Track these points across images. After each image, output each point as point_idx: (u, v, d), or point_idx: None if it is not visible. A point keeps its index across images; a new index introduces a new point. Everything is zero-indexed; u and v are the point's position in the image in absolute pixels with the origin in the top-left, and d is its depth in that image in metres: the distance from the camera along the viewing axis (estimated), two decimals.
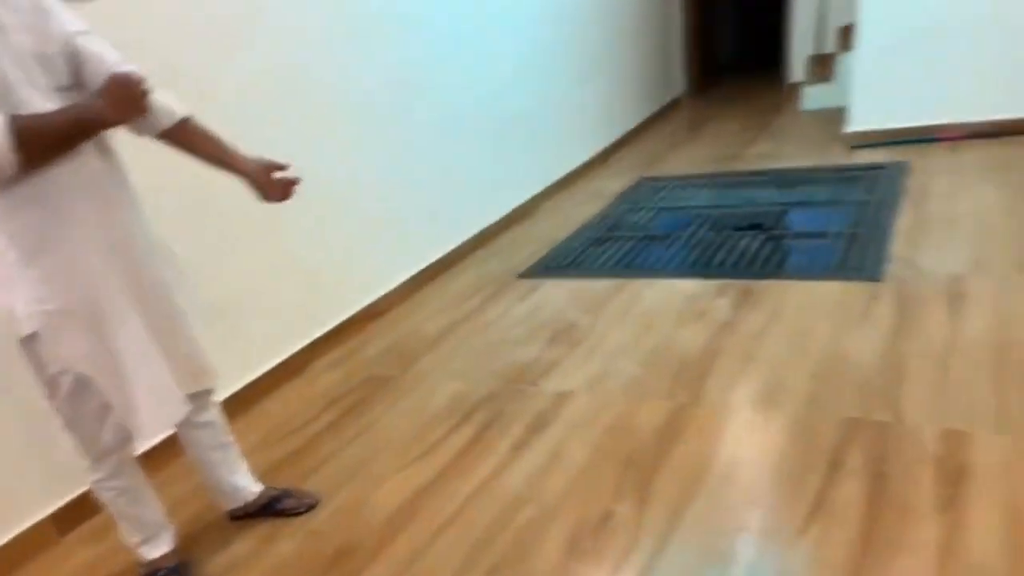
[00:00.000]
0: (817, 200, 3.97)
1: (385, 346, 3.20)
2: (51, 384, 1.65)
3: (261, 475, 2.22)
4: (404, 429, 2.51)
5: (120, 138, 1.70)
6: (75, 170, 1.55)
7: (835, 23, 6.16)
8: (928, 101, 4.45)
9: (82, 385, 1.65)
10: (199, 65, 2.58)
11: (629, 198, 4.62)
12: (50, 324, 1.57)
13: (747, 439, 2.11)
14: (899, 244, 3.17)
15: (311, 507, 2.17)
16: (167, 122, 1.74)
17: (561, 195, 4.93)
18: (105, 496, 1.84)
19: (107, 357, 1.65)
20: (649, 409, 2.33)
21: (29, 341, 1.60)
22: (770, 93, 6.81)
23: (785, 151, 4.97)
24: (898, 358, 2.34)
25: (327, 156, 3.18)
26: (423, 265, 3.79)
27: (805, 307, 2.81)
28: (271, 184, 1.88)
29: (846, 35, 5.54)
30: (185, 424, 1.94)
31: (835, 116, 5.17)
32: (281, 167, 1.89)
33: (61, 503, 2.26)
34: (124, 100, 1.49)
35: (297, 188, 1.93)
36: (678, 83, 7.19)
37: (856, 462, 1.91)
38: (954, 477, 1.79)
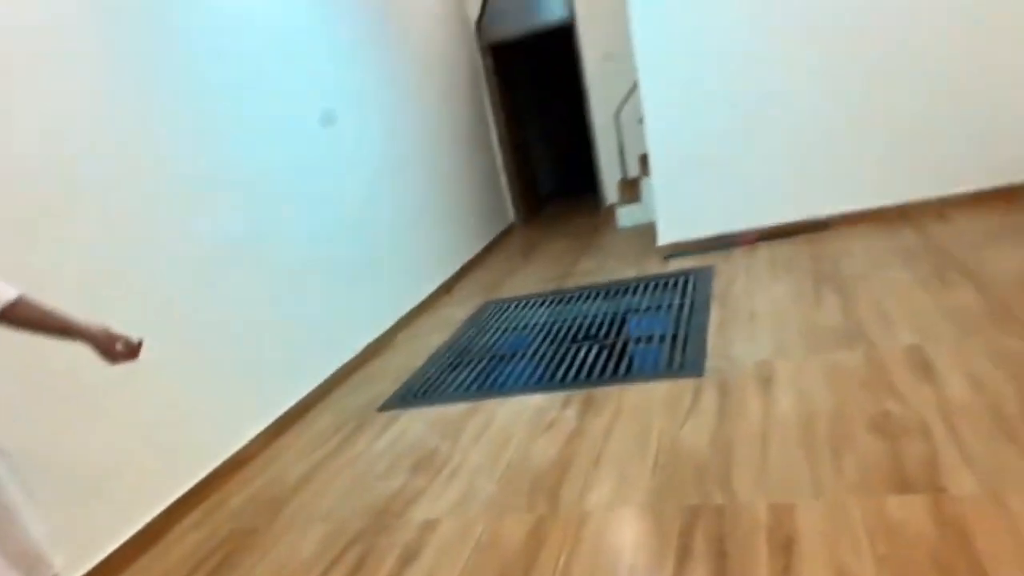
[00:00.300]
0: (641, 307, 4.28)
1: (248, 497, 3.05)
2: None
3: None
4: None
5: None
6: None
7: (634, 151, 6.83)
8: (721, 212, 4.99)
9: None
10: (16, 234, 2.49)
11: (475, 323, 4.76)
12: None
13: (604, 539, 2.18)
14: (714, 339, 3.46)
15: None
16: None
17: (412, 326, 5.00)
18: None
19: None
20: (512, 524, 2.36)
21: None
22: (589, 215, 7.34)
23: (608, 265, 5.34)
24: (726, 442, 2.52)
25: (175, 313, 3.09)
26: (282, 410, 3.68)
27: (642, 407, 2.98)
28: (115, 348, 1.84)
29: (644, 162, 6.15)
30: None
31: (647, 231, 5.65)
32: (126, 340, 1.86)
33: None
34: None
35: (143, 347, 1.89)
36: (508, 214, 7.60)
37: (701, 546, 2.01)
38: (785, 546, 1.93)
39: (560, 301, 4.79)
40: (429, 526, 2.48)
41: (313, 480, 3.06)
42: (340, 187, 4.53)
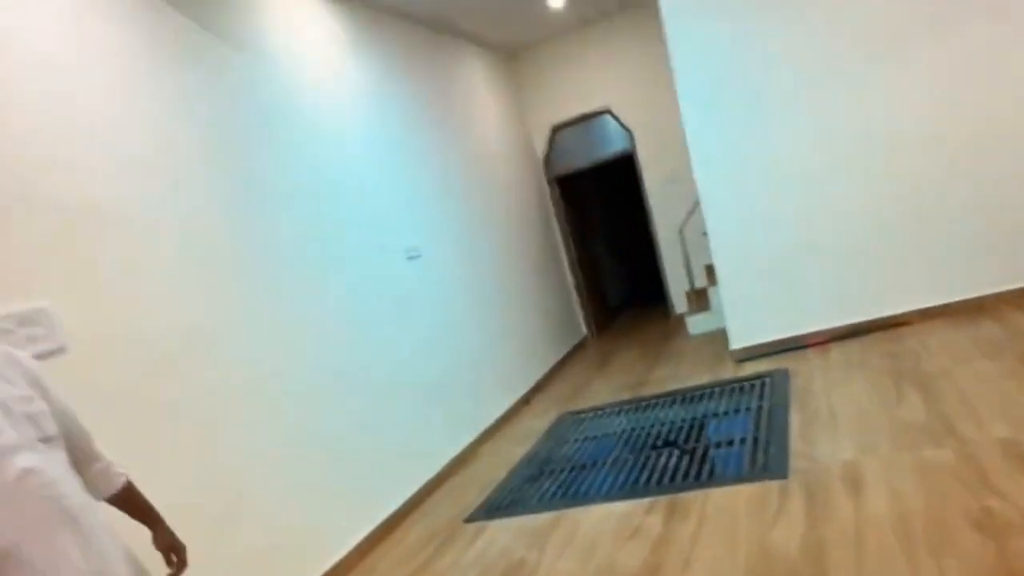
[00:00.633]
0: (719, 411, 4.17)
1: None
2: None
3: None
4: None
5: None
6: (54, 507, 1.57)
7: (700, 262, 6.86)
8: (790, 314, 4.90)
9: None
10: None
11: (554, 433, 4.72)
12: None
13: None
14: (796, 440, 3.33)
15: None
16: (112, 489, 1.82)
17: (494, 438, 4.99)
18: None
19: None
20: None
21: None
22: (659, 325, 7.31)
23: (682, 372, 5.26)
24: (818, 545, 2.39)
25: (288, 435, 3.26)
26: (375, 524, 3.69)
27: (727, 511, 2.86)
28: (171, 557, 1.95)
29: (710, 272, 6.16)
30: None
31: (718, 337, 5.58)
32: (180, 554, 1.96)
33: None
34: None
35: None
36: (580, 328, 7.65)
37: None
38: None
39: (637, 409, 4.72)
40: None
41: None
42: (426, 312, 4.71)
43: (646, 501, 3.19)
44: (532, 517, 3.42)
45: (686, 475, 3.38)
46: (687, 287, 7.05)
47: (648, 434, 4.13)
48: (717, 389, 4.59)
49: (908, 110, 4.43)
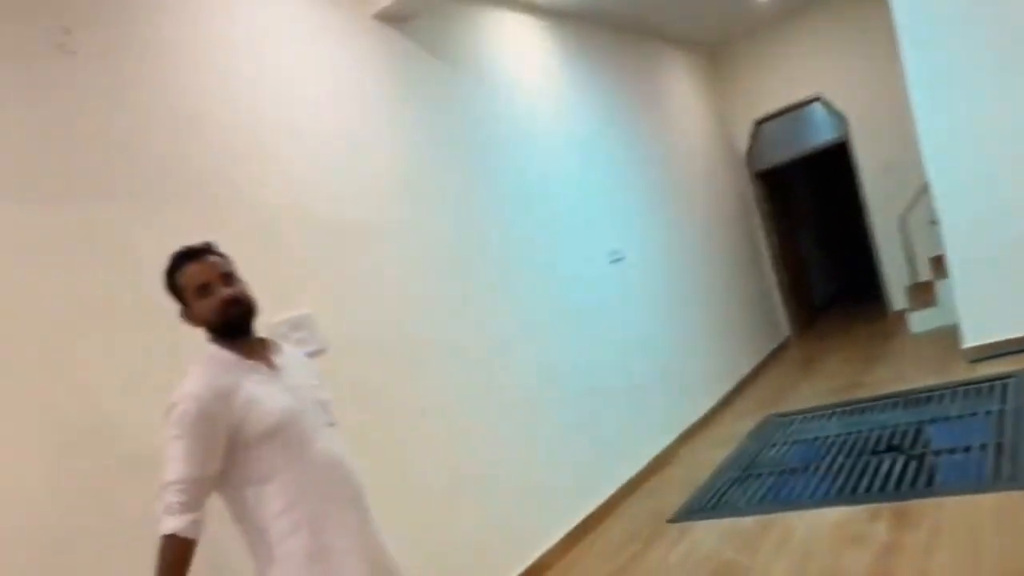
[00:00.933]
0: (950, 415, 3.77)
1: None
2: None
3: None
4: None
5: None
6: (345, 486, 1.78)
7: (924, 254, 6.23)
8: None
9: None
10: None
11: (759, 436, 4.51)
12: None
13: None
14: None
15: None
16: None
17: (693, 440, 4.87)
18: None
19: None
20: None
21: None
22: (873, 323, 6.72)
23: (906, 373, 4.81)
24: None
25: (504, 431, 3.48)
26: (575, 522, 3.74)
27: (968, 522, 2.58)
28: None
29: (937, 264, 5.57)
30: None
31: (946, 335, 5.04)
32: None
33: None
34: None
35: None
36: (782, 329, 7.25)
37: None
38: None
39: (852, 412, 4.38)
40: None
41: None
42: (628, 314, 4.73)
43: (867, 508, 2.96)
44: (740, 519, 3.30)
45: (913, 482, 3.09)
46: (908, 281, 6.44)
47: (866, 439, 3.81)
48: (947, 391, 4.14)
49: None
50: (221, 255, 1.78)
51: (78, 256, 2.13)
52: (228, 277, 1.75)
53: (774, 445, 4.25)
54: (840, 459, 3.65)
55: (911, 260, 6.31)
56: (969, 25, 4.20)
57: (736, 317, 6.28)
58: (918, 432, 3.67)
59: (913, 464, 3.28)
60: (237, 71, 2.70)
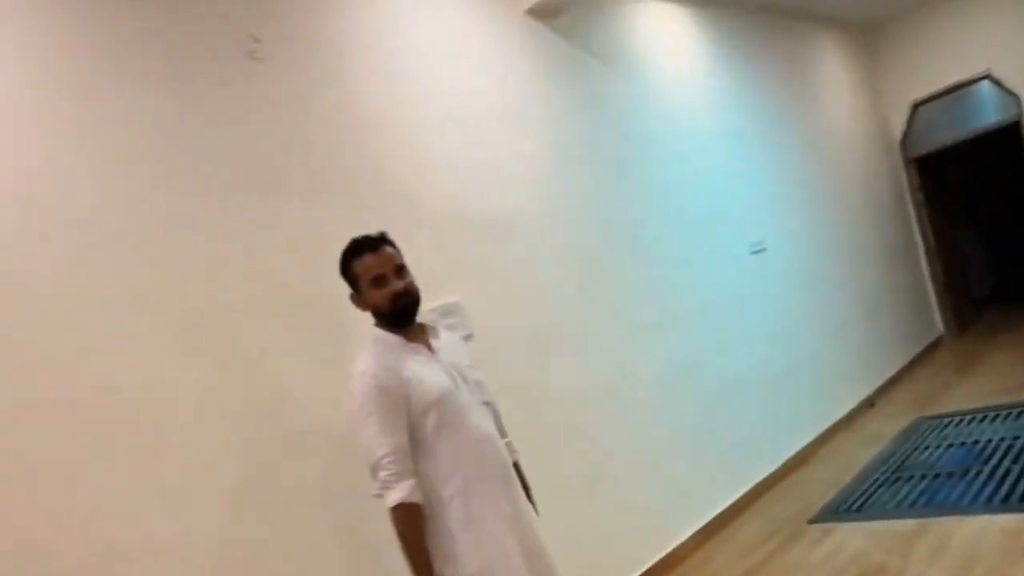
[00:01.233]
0: None
1: None
2: None
3: None
4: None
5: None
6: (495, 460, 1.87)
7: None
8: None
9: None
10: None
11: (909, 438, 4.25)
12: None
13: None
14: None
15: None
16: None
17: (834, 440, 4.66)
18: None
19: None
20: None
21: None
22: None
23: None
24: None
25: (639, 422, 3.49)
26: (712, 514, 3.69)
27: None
28: None
29: None
30: None
31: None
32: None
33: None
34: None
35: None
36: (935, 326, 6.76)
37: None
38: None
39: (1020, 415, 4.04)
40: None
41: None
42: (768, 306, 4.59)
43: None
44: (889, 523, 3.14)
45: None
46: None
47: None
48: None
49: None
50: (394, 246, 1.90)
51: (262, 243, 2.32)
52: (401, 270, 1.87)
53: (927, 448, 4.00)
54: (1007, 464, 3.38)
55: None
56: None
57: (885, 313, 5.92)
58: None
59: None
60: (404, 72, 2.88)
